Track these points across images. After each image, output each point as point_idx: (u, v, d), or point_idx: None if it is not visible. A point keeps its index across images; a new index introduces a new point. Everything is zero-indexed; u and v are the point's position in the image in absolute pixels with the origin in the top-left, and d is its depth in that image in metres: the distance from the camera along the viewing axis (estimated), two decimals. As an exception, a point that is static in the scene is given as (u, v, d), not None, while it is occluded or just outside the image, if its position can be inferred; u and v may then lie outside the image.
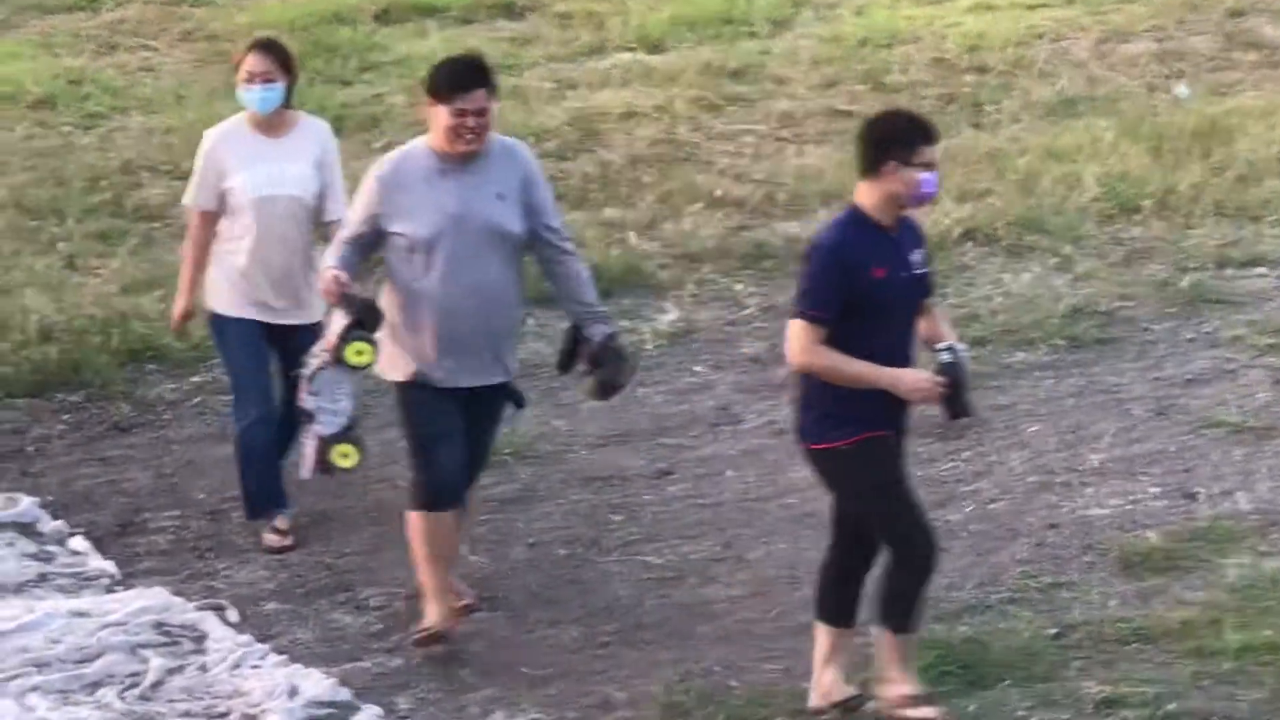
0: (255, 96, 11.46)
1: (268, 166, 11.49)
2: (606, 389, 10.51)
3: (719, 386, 13.27)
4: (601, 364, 10.38)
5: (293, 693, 10.56)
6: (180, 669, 10.72)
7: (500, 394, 10.61)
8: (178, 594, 11.32)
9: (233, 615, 11.16)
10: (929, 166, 9.51)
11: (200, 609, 11.20)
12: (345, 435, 10.38)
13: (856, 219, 9.58)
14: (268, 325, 11.59)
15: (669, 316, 14.02)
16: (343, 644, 11.05)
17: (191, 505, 12.34)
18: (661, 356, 13.57)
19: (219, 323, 11.69)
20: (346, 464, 10.42)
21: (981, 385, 12.99)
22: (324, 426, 10.32)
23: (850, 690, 9.85)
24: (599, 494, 12.24)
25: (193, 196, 11.68)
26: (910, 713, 9.66)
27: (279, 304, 11.58)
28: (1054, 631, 10.92)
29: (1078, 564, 11.45)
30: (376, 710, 10.48)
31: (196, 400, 13.42)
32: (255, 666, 10.75)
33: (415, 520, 10.44)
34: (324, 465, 10.48)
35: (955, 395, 9.63)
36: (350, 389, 10.37)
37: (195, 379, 13.57)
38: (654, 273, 14.86)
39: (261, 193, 11.45)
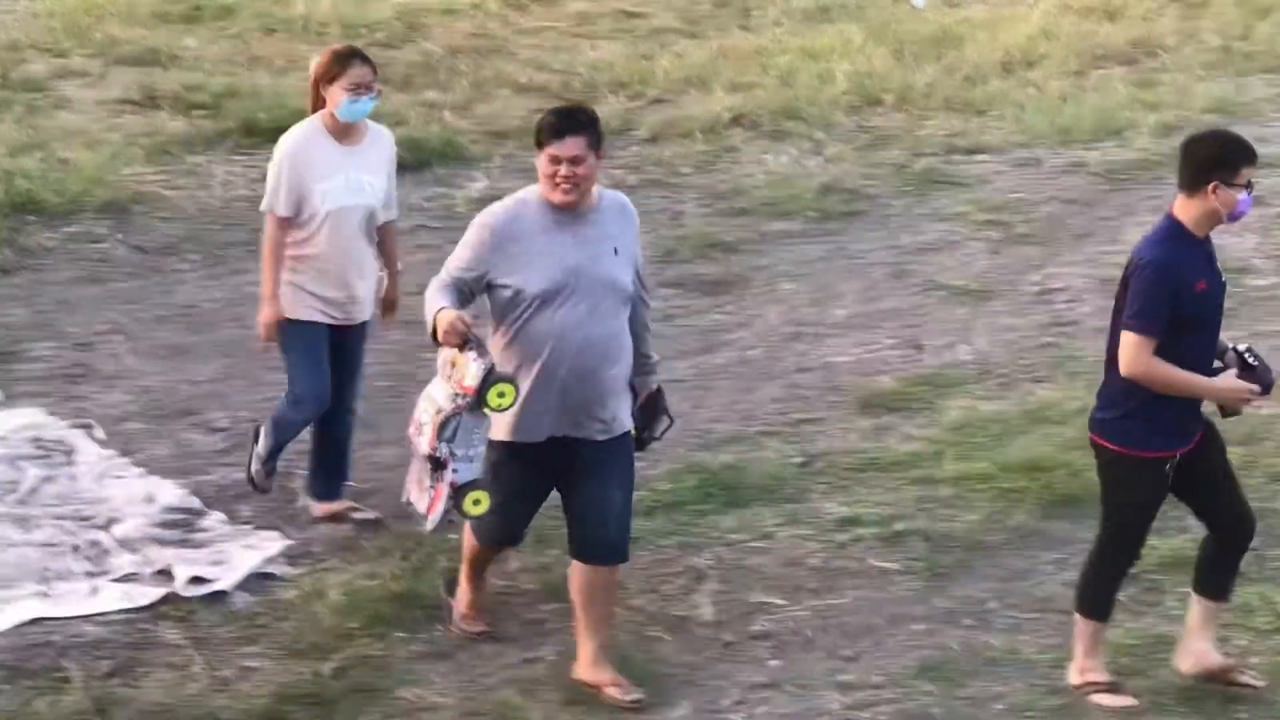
0: (363, 107, 10.04)
1: (346, 176, 10.08)
2: (643, 443, 9.23)
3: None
4: (650, 420, 9.20)
5: (149, 499, 10.54)
6: (53, 478, 10.67)
7: (620, 447, 8.99)
8: (52, 414, 11.26)
9: (99, 433, 11.10)
10: (1248, 187, 8.74)
11: (71, 427, 11.15)
12: (477, 482, 8.74)
13: (1176, 233, 8.80)
14: (329, 326, 10.28)
15: (479, 184, 13.98)
16: (194, 459, 11.02)
17: (65, 338, 12.25)
18: (471, 217, 13.50)
19: (285, 326, 10.19)
20: (477, 511, 8.77)
21: (744, 250, 13.09)
22: (458, 475, 8.68)
23: (1225, 660, 9.27)
24: (413, 334, 12.21)
25: (271, 202, 10.10)
26: (1106, 700, 9.12)
27: (342, 307, 10.23)
28: (801, 460, 11.02)
29: (822, 403, 11.54)
30: (221, 515, 10.47)
31: (71, 248, 13.29)
32: (118, 477, 10.73)
33: (471, 542, 9.31)
34: (456, 512, 8.87)
35: (1266, 388, 8.89)
36: (486, 433, 8.74)
37: (69, 229, 13.43)
38: (467, 147, 14.85)
39: (342, 203, 10.07)
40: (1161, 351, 8.65)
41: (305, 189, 10.00)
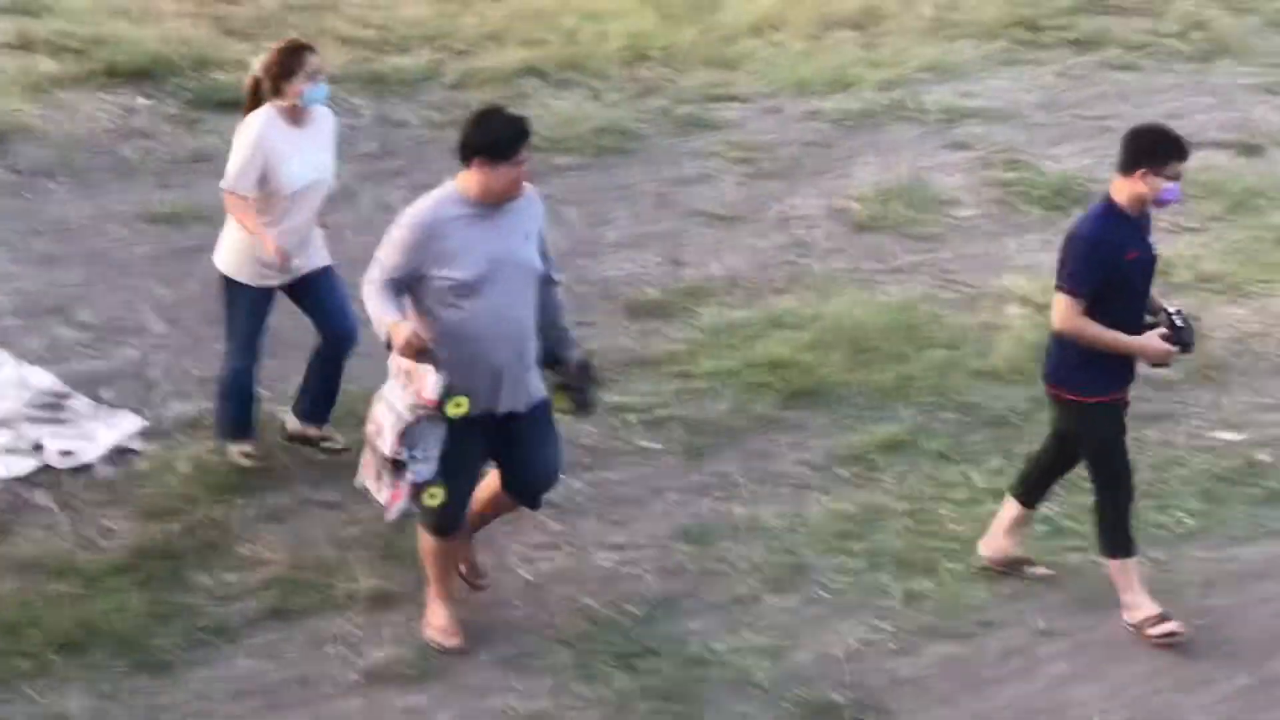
0: (323, 93, 9.59)
1: (303, 157, 9.52)
2: (585, 407, 8.82)
3: (343, 175, 13.19)
4: (583, 386, 8.74)
5: (23, 385, 10.47)
6: (-62, 369, 10.59)
7: (544, 409, 8.63)
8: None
9: (-21, 328, 11.02)
10: (1174, 179, 8.59)
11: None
12: (433, 479, 8.34)
13: (1109, 210, 8.65)
14: (277, 287, 9.76)
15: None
16: (62, 351, 10.93)
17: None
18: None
19: (234, 287, 9.68)
20: (434, 503, 8.37)
21: (536, 181, 13.11)
22: (416, 475, 8.29)
23: (1018, 552, 9.30)
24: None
25: (235, 181, 9.50)
26: (1157, 630, 8.89)
27: (301, 262, 9.67)
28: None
29: (597, 309, 11.59)
30: (87, 400, 10.42)
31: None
32: (-3, 366, 10.67)
33: (428, 542, 8.70)
34: (414, 505, 8.45)
35: (1186, 349, 8.80)
36: (442, 437, 8.29)
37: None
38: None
39: (304, 181, 9.53)
40: (1097, 310, 8.55)
41: (271, 170, 9.45)
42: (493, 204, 8.28)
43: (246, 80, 9.69)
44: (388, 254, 8.29)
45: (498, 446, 8.57)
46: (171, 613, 8.88)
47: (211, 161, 13.12)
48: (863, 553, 9.47)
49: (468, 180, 8.26)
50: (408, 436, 8.25)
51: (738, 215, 12.84)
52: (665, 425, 10.49)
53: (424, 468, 8.30)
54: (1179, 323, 8.71)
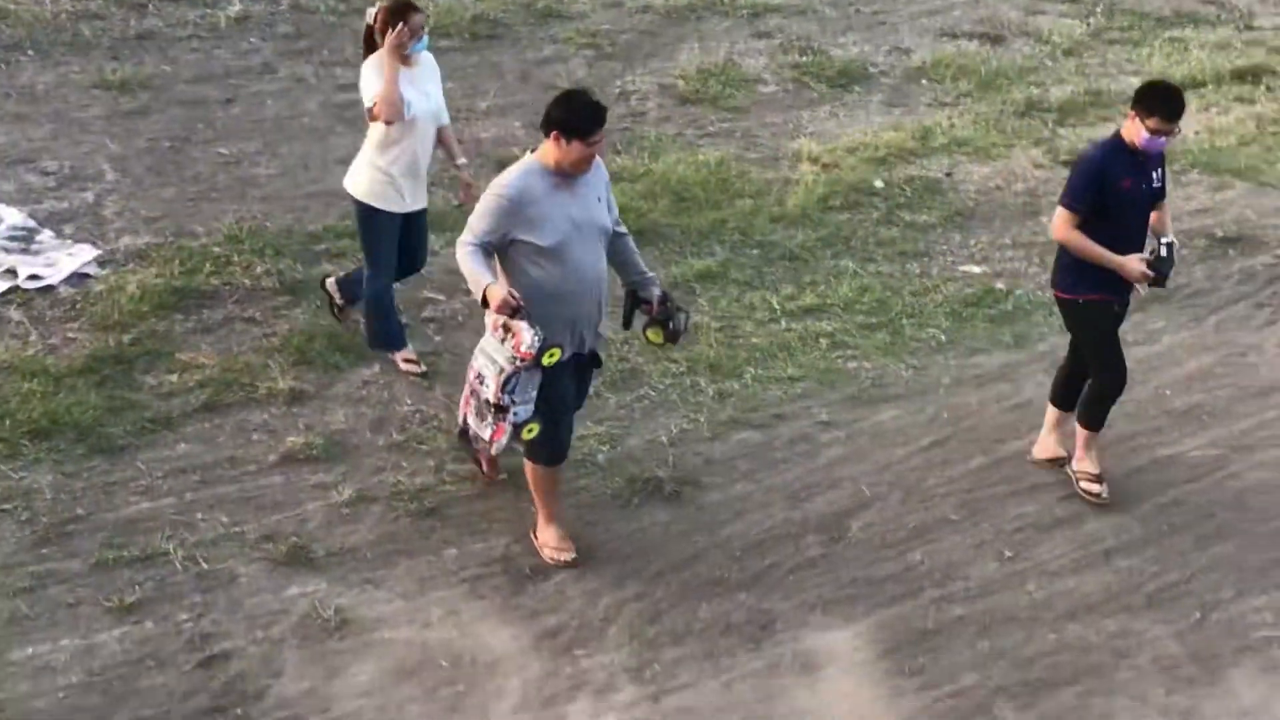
0: (423, 45, 8.81)
1: (414, 88, 8.79)
2: (675, 335, 7.99)
3: (264, 50, 12.96)
4: (670, 316, 7.95)
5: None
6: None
7: (595, 359, 8.08)
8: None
9: (-37, 174, 10.77)
10: (1154, 133, 8.02)
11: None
12: (532, 418, 7.79)
13: (1114, 141, 8.18)
14: (404, 214, 9.06)
15: (235, 8, 13.58)
16: (31, 194, 10.70)
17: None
18: (230, 31, 13.19)
19: (372, 214, 8.94)
20: (530, 437, 7.80)
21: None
22: (516, 416, 7.72)
23: (1060, 452, 8.75)
24: (192, 110, 11.96)
25: (371, 97, 8.71)
26: (1087, 485, 8.55)
27: (415, 197, 9.01)
28: (457, 204, 10.96)
29: (473, 165, 11.43)
30: (51, 233, 10.22)
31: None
32: (-23, 205, 10.45)
33: (538, 472, 8.02)
34: (517, 441, 7.88)
35: (1161, 278, 8.23)
36: (538, 383, 7.70)
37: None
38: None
39: (418, 109, 8.79)
40: (1091, 227, 8.11)
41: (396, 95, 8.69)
42: (569, 174, 7.61)
43: (363, 30, 9.00)
44: (479, 220, 7.53)
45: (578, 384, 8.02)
46: (123, 407, 8.77)
47: (155, 39, 12.87)
48: (683, 360, 9.48)
49: (546, 151, 7.57)
50: (508, 384, 7.66)
51: (585, 89, 12.69)
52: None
53: (523, 409, 7.72)
54: (1163, 253, 8.18)
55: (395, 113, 8.71)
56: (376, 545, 8.04)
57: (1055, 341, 9.95)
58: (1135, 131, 8.08)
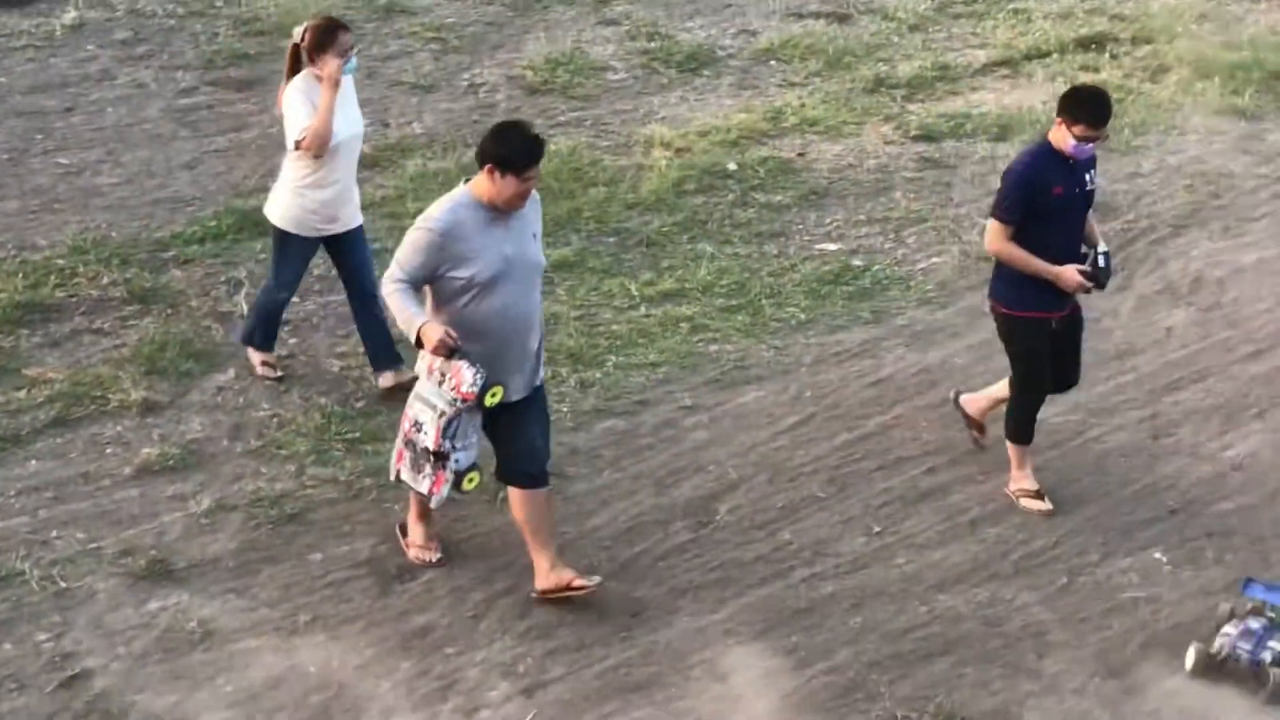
0: (353, 67, 8.64)
1: (342, 112, 8.55)
2: None
3: (102, 57, 12.72)
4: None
5: None
6: None
7: (540, 392, 7.63)
8: None
9: None
10: (1082, 140, 7.88)
11: None
12: (473, 465, 7.49)
13: (1042, 149, 8.01)
14: (323, 238, 8.86)
15: (70, 15, 13.30)
16: None
17: None
18: (66, 39, 12.93)
19: (287, 238, 8.77)
20: (472, 486, 7.53)
21: (263, 59, 12.75)
22: (458, 464, 7.40)
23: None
24: (30, 120, 11.73)
25: (300, 131, 8.54)
26: (1029, 503, 8.36)
27: (342, 219, 8.79)
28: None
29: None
30: None
31: None
32: None
33: (522, 497, 7.62)
34: (456, 490, 7.54)
35: (1099, 286, 8.13)
36: (479, 426, 7.44)
37: None
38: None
39: (344, 134, 8.62)
40: (1026, 236, 7.93)
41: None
42: (511, 209, 7.30)
43: (288, 47, 8.81)
44: (407, 256, 7.22)
45: (500, 428, 7.58)
46: (-30, 426, 8.60)
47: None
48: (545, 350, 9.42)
49: (480, 184, 7.26)
50: (449, 429, 7.32)
51: (433, 84, 12.61)
52: (378, 256, 10.30)
53: (464, 455, 7.41)
54: (1101, 263, 8.05)
55: (325, 147, 8.54)
56: (238, 554, 7.93)
57: (913, 315, 10.03)
58: (1062, 139, 7.92)
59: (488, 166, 7.21)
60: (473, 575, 7.87)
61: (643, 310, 9.87)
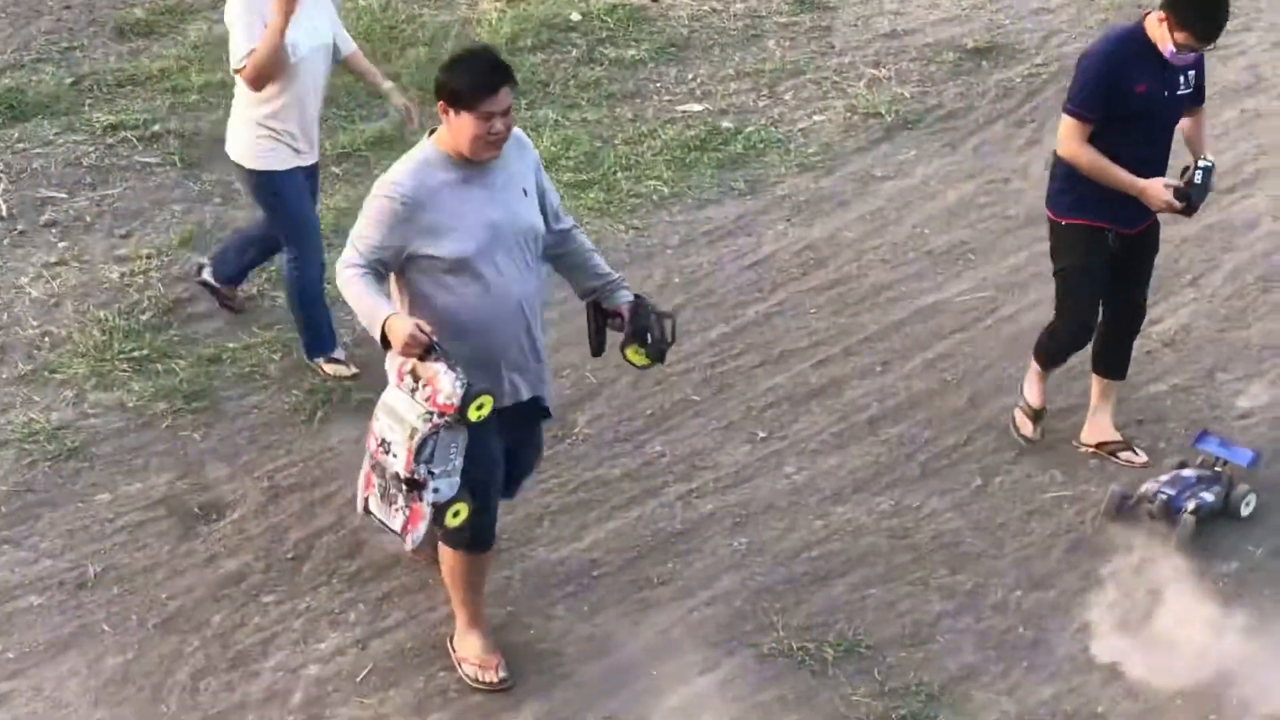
0: None
1: (304, 23, 8.06)
2: (661, 350, 6.86)
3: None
4: (648, 326, 6.80)
5: None
6: None
7: (540, 408, 6.96)
8: None
9: None
10: (1183, 48, 7.48)
11: None
12: (458, 496, 6.63)
13: (1133, 34, 7.66)
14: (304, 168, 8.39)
15: None
16: None
17: None
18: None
19: (271, 181, 8.27)
20: (458, 522, 6.64)
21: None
22: (438, 494, 6.55)
23: (1114, 435, 8.23)
24: None
25: (245, 56, 8.02)
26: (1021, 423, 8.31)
27: (308, 148, 8.33)
28: (71, 80, 10.75)
29: (84, 33, 11.24)
30: None
31: None
32: None
33: (455, 559, 7.02)
34: (438, 525, 6.69)
35: (1191, 208, 7.70)
36: (463, 445, 6.56)
37: None
38: None
39: (309, 46, 8.12)
40: (1101, 140, 7.62)
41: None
42: (477, 162, 6.52)
43: None
44: (366, 232, 6.45)
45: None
46: None
47: None
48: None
49: (443, 135, 6.52)
50: (423, 450, 6.51)
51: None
52: (162, 140, 10.23)
53: (444, 483, 6.58)
54: (1197, 179, 7.69)
55: (267, 79, 8.06)
56: (12, 497, 7.89)
57: (794, 184, 10.10)
58: (1163, 36, 7.57)
59: (439, 105, 6.47)
60: (290, 511, 7.87)
61: (477, 191, 9.87)
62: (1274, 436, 8.34)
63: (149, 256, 9.27)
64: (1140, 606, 7.45)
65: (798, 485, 8.12)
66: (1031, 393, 8.34)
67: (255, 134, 8.25)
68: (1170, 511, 7.73)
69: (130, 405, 8.39)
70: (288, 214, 8.37)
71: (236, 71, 8.11)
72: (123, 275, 9.21)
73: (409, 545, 6.77)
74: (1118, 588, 7.55)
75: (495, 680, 7.05)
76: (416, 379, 6.48)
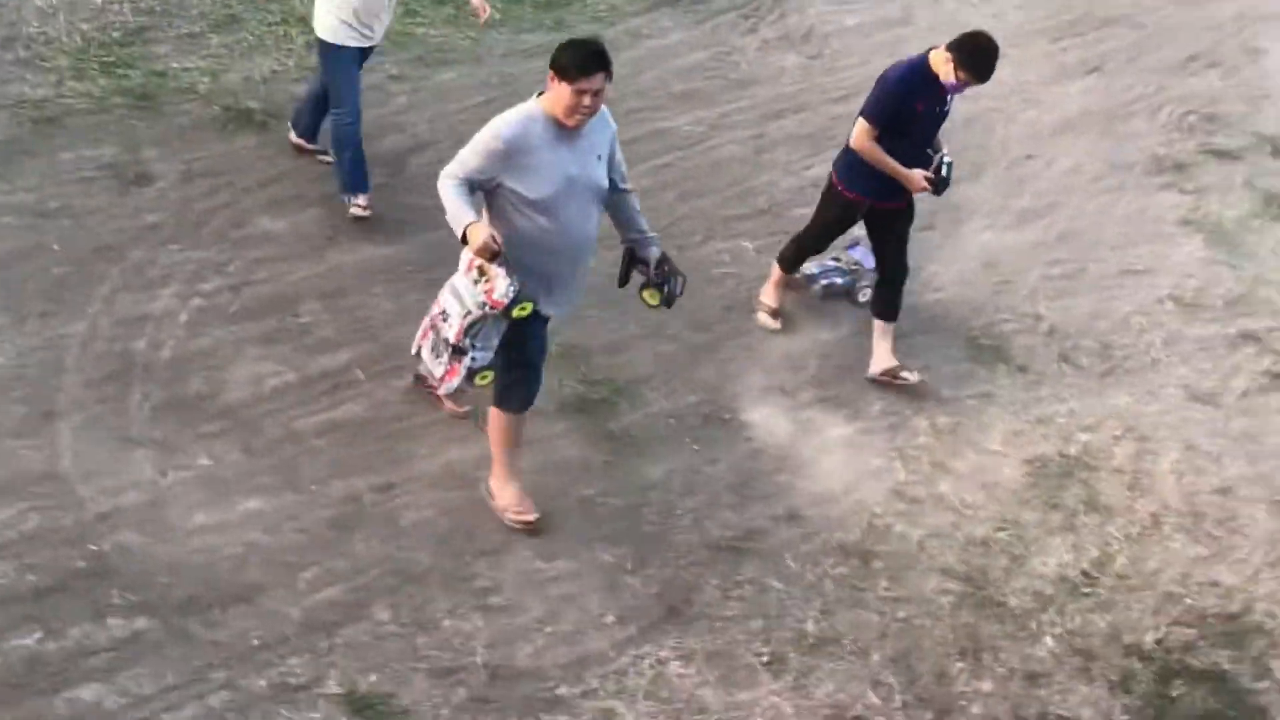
0: None
1: None
2: (671, 299, 6.43)
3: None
4: (665, 279, 6.38)
5: None
6: None
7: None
8: None
9: None
10: (962, 84, 7.19)
11: None
12: (488, 365, 6.26)
13: (919, 68, 7.29)
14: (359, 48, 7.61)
15: None
16: None
17: None
18: None
19: (331, 49, 7.51)
20: (484, 384, 6.28)
21: None
22: (475, 361, 6.20)
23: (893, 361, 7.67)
24: None
25: None
26: (762, 318, 7.86)
27: (372, 32, 7.57)
28: None
29: None
30: None
31: None
32: None
33: (505, 420, 6.42)
34: (468, 383, 6.30)
35: (938, 191, 7.47)
36: (501, 333, 6.18)
37: None
38: None
39: None
40: (885, 138, 7.33)
41: None
42: (570, 124, 5.98)
43: None
44: (470, 157, 5.96)
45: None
46: None
47: None
48: (278, 12, 9.07)
49: (548, 97, 5.99)
50: (472, 329, 6.15)
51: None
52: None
53: (482, 355, 6.21)
54: (944, 172, 7.46)
55: None
56: (3, 146, 7.57)
57: (586, 30, 9.88)
58: (946, 72, 7.25)
59: (549, 72, 5.96)
60: (200, 190, 7.67)
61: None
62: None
63: (127, -8, 8.85)
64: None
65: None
66: (773, 298, 7.94)
67: (326, 12, 7.50)
68: (807, 280, 8.06)
69: (95, 95, 8.09)
70: (336, 79, 7.60)
71: None
72: (104, 2, 8.77)
73: (443, 391, 6.43)
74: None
75: (531, 520, 6.43)
76: (481, 274, 6.07)
